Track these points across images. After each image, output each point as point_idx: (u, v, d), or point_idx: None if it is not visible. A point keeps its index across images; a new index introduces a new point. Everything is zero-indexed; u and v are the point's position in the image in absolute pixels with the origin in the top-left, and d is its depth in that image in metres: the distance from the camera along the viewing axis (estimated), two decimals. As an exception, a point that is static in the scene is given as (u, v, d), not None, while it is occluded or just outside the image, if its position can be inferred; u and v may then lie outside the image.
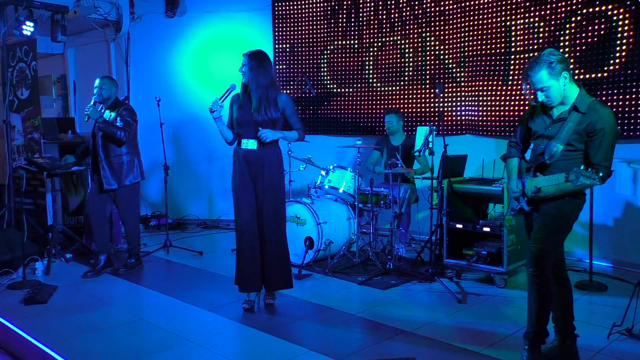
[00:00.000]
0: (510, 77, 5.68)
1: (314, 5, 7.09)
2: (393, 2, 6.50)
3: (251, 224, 4.03)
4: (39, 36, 6.68)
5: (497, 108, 5.79)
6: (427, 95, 6.37)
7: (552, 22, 5.38)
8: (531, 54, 5.47)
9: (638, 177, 5.06)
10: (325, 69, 7.09)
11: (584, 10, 5.17)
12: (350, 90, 6.94)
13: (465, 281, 4.82)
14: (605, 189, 4.81)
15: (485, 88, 5.87)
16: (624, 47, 4.95)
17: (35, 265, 5.25)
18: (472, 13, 5.94)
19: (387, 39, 6.60)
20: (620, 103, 5.00)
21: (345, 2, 6.85)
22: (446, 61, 6.19)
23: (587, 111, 2.97)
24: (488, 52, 5.83)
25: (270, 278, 4.13)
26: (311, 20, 7.14)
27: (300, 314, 4.11)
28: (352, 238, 5.47)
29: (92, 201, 5.29)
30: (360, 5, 6.73)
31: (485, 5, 5.83)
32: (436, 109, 6.25)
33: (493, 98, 5.81)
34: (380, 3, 6.58)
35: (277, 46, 7.38)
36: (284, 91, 7.17)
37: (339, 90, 7.03)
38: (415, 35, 6.39)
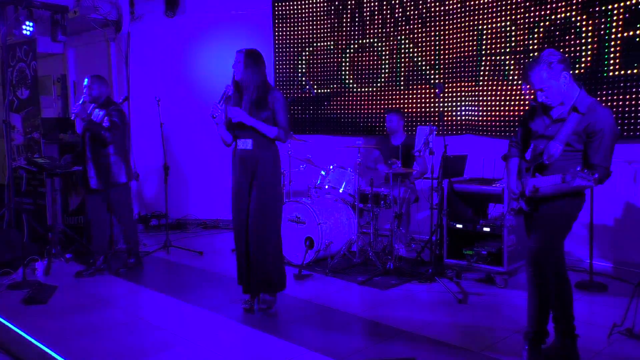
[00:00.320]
0: (511, 77, 5.69)
1: (314, 5, 7.09)
2: (392, 2, 6.50)
3: (241, 225, 4.02)
4: (39, 36, 6.68)
5: (497, 108, 5.79)
6: (428, 95, 6.37)
7: (556, 22, 5.39)
8: (531, 54, 5.48)
9: (638, 177, 5.07)
10: (326, 69, 7.09)
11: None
12: (350, 90, 6.93)
13: (465, 281, 4.82)
14: (605, 189, 4.80)
15: (485, 88, 5.88)
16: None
17: (35, 265, 5.25)
18: (475, 12, 5.94)
19: (388, 39, 6.59)
20: (620, 103, 5.01)
21: (348, 2, 6.84)
22: (447, 61, 6.19)
23: (587, 112, 2.97)
24: (488, 51, 5.83)
25: (251, 282, 4.03)
26: (311, 20, 7.14)
27: (300, 314, 4.11)
28: (352, 238, 5.47)
29: (88, 203, 5.30)
30: (364, 5, 6.73)
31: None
32: (436, 109, 6.25)
33: (493, 98, 5.82)
34: (384, 2, 6.57)
35: (277, 46, 7.38)
36: (281, 90, 7.18)
37: (338, 90, 7.02)
38: (416, 35, 6.38)
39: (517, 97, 5.66)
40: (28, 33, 6.19)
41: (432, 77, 6.29)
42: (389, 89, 6.64)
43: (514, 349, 3.35)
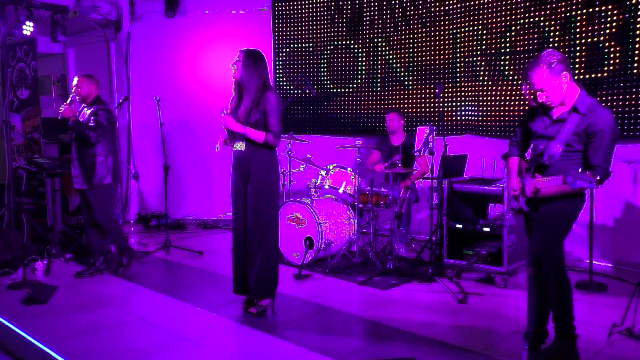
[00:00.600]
0: (511, 77, 5.69)
1: (314, 5, 7.09)
2: (390, 2, 6.50)
3: (238, 227, 4.02)
4: (39, 36, 6.68)
5: (497, 108, 5.79)
6: (428, 96, 6.37)
7: (559, 21, 5.39)
8: (531, 54, 5.48)
9: (638, 177, 5.07)
10: (326, 69, 7.09)
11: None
12: (350, 90, 6.93)
13: (465, 281, 4.81)
14: (605, 189, 4.80)
15: (485, 88, 5.88)
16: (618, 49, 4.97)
17: (35, 265, 5.25)
18: (475, 12, 5.94)
19: (388, 39, 6.59)
20: (620, 103, 5.00)
21: (348, 2, 6.84)
22: (446, 61, 6.19)
23: (587, 112, 2.96)
24: (488, 51, 5.83)
25: (247, 283, 4.03)
26: (311, 20, 7.14)
27: (300, 314, 4.11)
28: (352, 238, 5.47)
29: (83, 203, 5.28)
30: (364, 5, 6.73)
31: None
32: (436, 109, 6.26)
33: (493, 98, 5.82)
34: (384, 2, 6.57)
35: (277, 46, 7.38)
36: (281, 90, 7.19)
37: (338, 90, 7.02)
38: (417, 35, 6.39)
39: (517, 97, 5.66)
40: (28, 33, 6.20)
41: (433, 77, 6.29)
42: (389, 89, 6.64)
43: (514, 349, 3.35)
